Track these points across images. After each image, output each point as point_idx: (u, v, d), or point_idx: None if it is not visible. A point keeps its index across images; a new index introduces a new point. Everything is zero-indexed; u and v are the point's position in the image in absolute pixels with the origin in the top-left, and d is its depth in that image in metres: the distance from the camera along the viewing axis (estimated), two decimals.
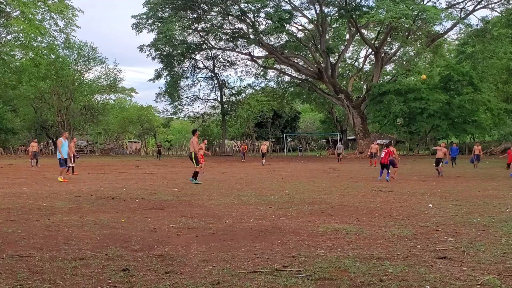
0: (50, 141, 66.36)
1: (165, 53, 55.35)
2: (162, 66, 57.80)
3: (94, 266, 5.50)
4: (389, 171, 18.78)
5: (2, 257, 5.85)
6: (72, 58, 60.79)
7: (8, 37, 51.80)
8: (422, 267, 5.50)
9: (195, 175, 16.91)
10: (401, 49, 53.52)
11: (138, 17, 50.48)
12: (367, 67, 61.19)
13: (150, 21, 50.71)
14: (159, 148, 49.84)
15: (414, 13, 41.74)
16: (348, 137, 71.39)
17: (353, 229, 7.95)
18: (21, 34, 48.99)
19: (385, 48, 53.36)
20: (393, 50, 54.53)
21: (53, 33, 53.02)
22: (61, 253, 6.11)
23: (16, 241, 6.78)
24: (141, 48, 54.52)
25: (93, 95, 64.32)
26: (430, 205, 11.04)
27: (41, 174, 22.96)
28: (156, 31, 50.48)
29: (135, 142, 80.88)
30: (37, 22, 49.38)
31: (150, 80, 59.94)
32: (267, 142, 44.10)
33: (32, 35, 47.70)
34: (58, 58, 55.60)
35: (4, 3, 48.52)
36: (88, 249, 6.32)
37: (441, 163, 21.29)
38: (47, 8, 50.64)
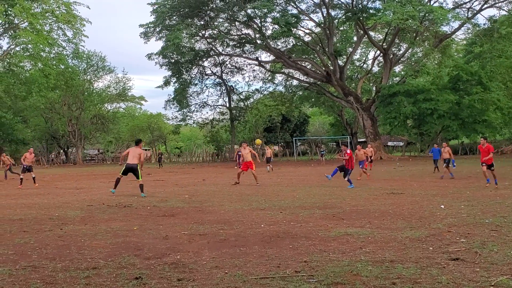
0: (61, 151, 66.76)
1: (173, 60, 55.61)
2: (171, 74, 58.05)
3: (107, 275, 5.53)
4: (348, 176, 17.36)
5: (15, 268, 5.89)
6: (81, 67, 61.28)
7: (17, 48, 52.16)
8: (434, 269, 5.48)
9: (142, 188, 15.35)
10: (409, 50, 53.34)
11: (146, 26, 50.75)
12: (375, 69, 61.00)
13: (157, 29, 50.99)
14: (160, 156, 49.58)
15: (421, 14, 41.60)
16: (359, 140, 71.18)
17: (365, 232, 7.93)
18: (29, 45, 49.30)
19: (393, 49, 53.19)
20: (401, 51, 54.37)
21: (62, 44, 53.47)
22: (74, 262, 6.14)
23: (29, 252, 6.82)
24: (149, 56, 54.87)
25: (103, 104, 64.76)
26: (442, 206, 10.99)
27: (53, 184, 23.10)
28: (164, 39, 50.76)
29: (145, 150, 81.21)
30: (45, 32, 49.76)
31: (158, 87, 60.24)
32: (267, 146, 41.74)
33: (41, 45, 48.06)
34: (67, 68, 56.00)
35: (13, 14, 48.94)
36: (101, 258, 6.35)
37: (449, 163, 20.77)
38: (55, 19, 51.03)
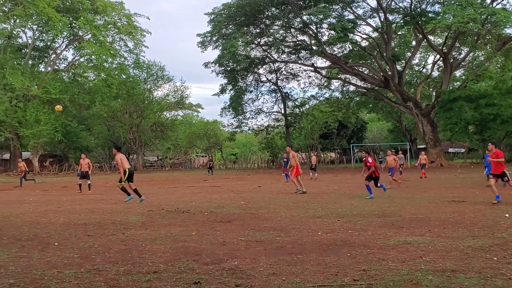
0: None
1: (229, 68, 56.28)
2: (226, 81, 58.78)
3: (167, 279, 5.66)
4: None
5: (80, 271, 6.12)
6: (142, 77, 63.09)
7: (81, 60, 54.53)
8: (499, 280, 5.29)
9: (125, 190, 15.40)
10: (471, 54, 51.72)
11: (203, 35, 51.81)
12: (435, 73, 59.54)
13: (214, 38, 51.90)
14: (211, 162, 49.36)
15: (482, 16, 40.31)
16: (418, 146, 69.57)
17: (425, 241, 7.75)
18: (93, 56, 51.44)
19: (453, 53, 51.77)
20: (462, 55, 52.81)
21: (123, 54, 55.45)
22: (136, 266, 6.32)
23: (93, 255, 7.07)
24: (206, 64, 55.82)
25: (162, 112, 66.37)
26: (507, 215, 10.57)
27: (116, 190, 23.78)
28: (220, 47, 51.59)
29: (202, 156, 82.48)
30: (108, 44, 51.74)
31: (214, 94, 61.24)
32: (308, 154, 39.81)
33: (104, 56, 49.99)
34: (129, 78, 57.82)
35: (77, 27, 51.15)
36: (161, 263, 6.50)
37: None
38: (117, 30, 53.02)
